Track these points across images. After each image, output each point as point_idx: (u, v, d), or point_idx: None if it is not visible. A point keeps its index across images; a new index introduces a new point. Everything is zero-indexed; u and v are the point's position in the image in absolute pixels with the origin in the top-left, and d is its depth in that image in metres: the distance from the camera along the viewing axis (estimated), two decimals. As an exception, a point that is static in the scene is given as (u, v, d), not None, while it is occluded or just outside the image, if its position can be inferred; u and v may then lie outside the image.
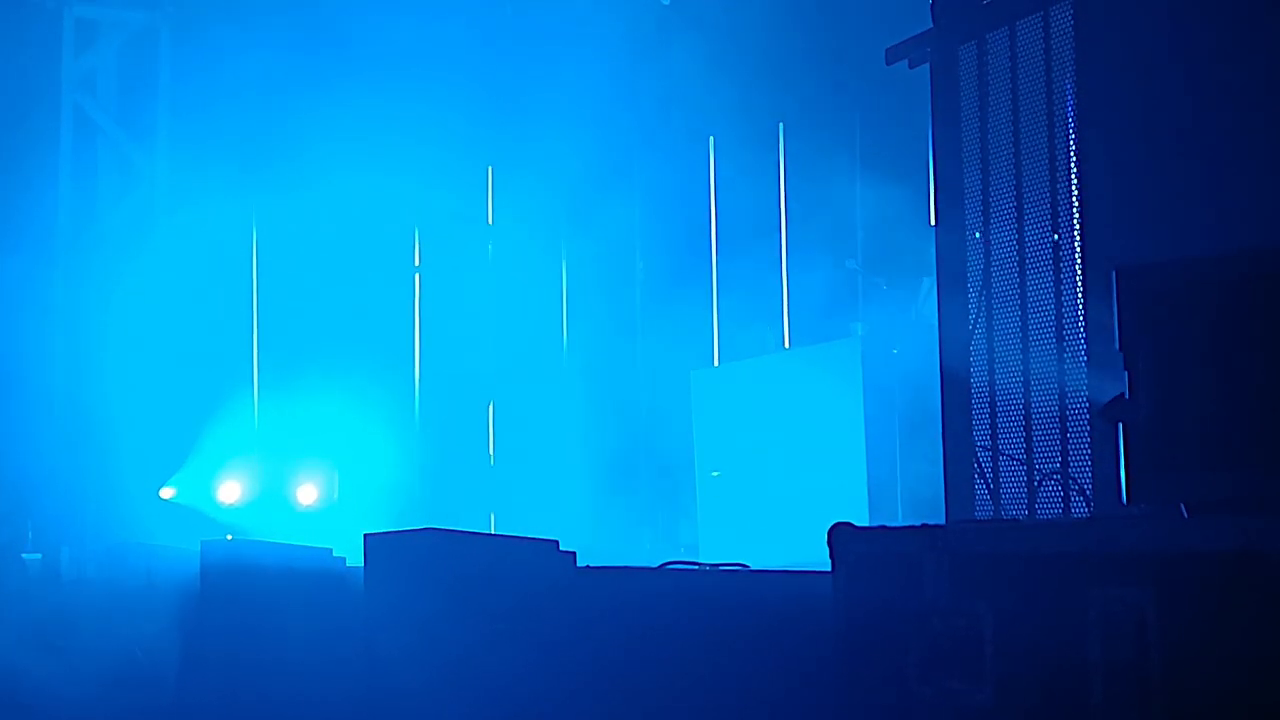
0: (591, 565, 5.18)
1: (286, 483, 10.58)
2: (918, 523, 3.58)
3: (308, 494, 10.67)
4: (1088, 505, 4.66)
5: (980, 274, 5.25)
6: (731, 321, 10.49)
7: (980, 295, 5.23)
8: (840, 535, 3.61)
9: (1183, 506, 3.13)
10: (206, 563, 6.47)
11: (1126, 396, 3.19)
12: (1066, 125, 4.92)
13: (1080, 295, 4.81)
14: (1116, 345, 3.20)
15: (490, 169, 11.05)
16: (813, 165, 9.91)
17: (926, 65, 5.61)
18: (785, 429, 8.10)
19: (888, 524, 4.07)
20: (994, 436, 5.11)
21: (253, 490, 10.52)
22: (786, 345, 10.18)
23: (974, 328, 5.22)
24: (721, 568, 5.24)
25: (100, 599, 7.99)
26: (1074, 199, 4.86)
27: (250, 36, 10.22)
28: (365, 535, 5.54)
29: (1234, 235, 4.17)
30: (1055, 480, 4.82)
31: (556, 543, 5.14)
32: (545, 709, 4.78)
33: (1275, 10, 4.31)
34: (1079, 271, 4.83)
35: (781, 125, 10.35)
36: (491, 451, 10.23)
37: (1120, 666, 2.95)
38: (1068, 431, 4.80)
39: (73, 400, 10.43)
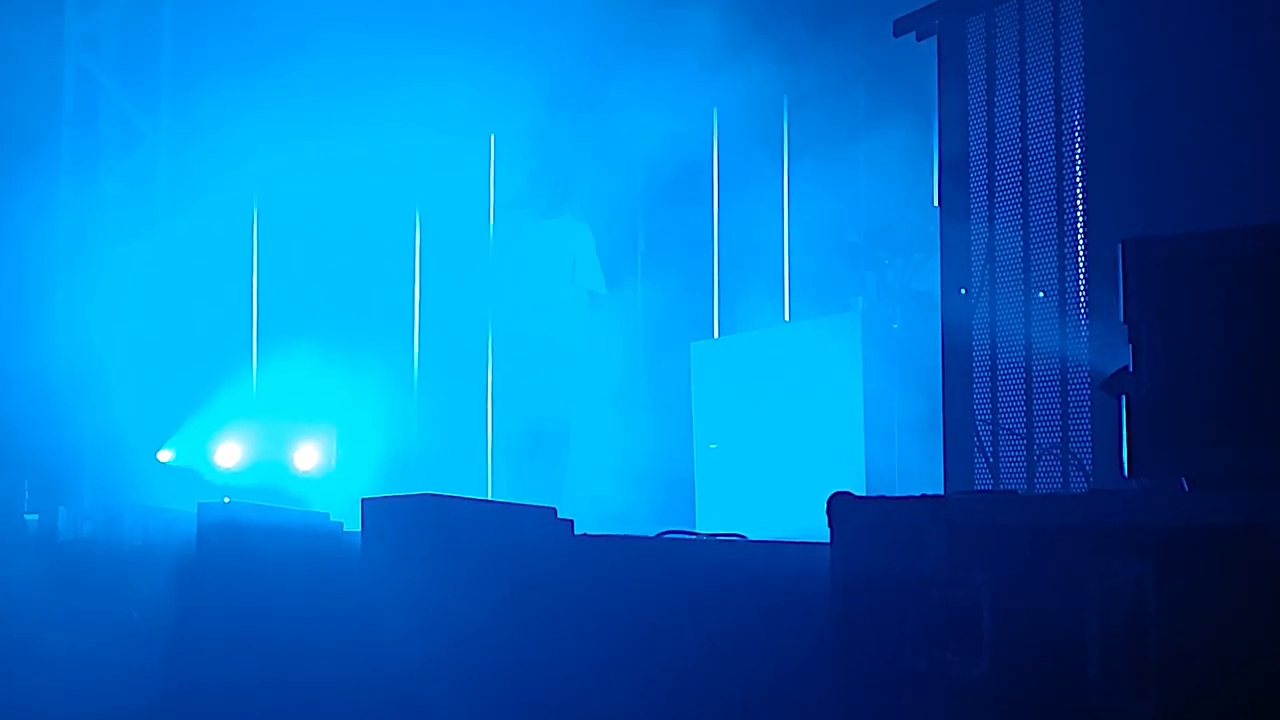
0: (589, 533, 5.18)
1: (285, 447, 10.57)
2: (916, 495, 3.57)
3: (306, 458, 10.66)
4: (1087, 481, 4.66)
5: (984, 247, 5.24)
6: (732, 293, 10.47)
7: (983, 269, 5.21)
8: (839, 505, 3.61)
9: (1184, 481, 3.13)
10: (203, 525, 6.47)
11: (1130, 370, 3.18)
12: (1074, 99, 4.90)
13: (1083, 269, 4.80)
14: (1121, 318, 3.20)
15: (493, 137, 11.01)
16: (816, 138, 9.88)
17: (934, 38, 5.59)
18: (785, 401, 8.09)
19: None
20: (994, 410, 5.10)
21: (251, 454, 10.51)
22: (787, 318, 10.16)
23: (976, 301, 5.21)
24: (719, 537, 5.24)
25: (97, 560, 7.99)
26: (1079, 173, 4.84)
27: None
28: (362, 500, 5.53)
29: (1242, 210, 4.16)
30: (1055, 455, 4.81)
31: (554, 510, 5.13)
32: (541, 675, 4.79)
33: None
34: (1083, 246, 4.81)
35: (786, 98, 10.32)
36: (490, 419, 10.22)
37: (1118, 640, 2.95)
38: (1069, 406, 4.79)
39: (71, 361, 10.42)
